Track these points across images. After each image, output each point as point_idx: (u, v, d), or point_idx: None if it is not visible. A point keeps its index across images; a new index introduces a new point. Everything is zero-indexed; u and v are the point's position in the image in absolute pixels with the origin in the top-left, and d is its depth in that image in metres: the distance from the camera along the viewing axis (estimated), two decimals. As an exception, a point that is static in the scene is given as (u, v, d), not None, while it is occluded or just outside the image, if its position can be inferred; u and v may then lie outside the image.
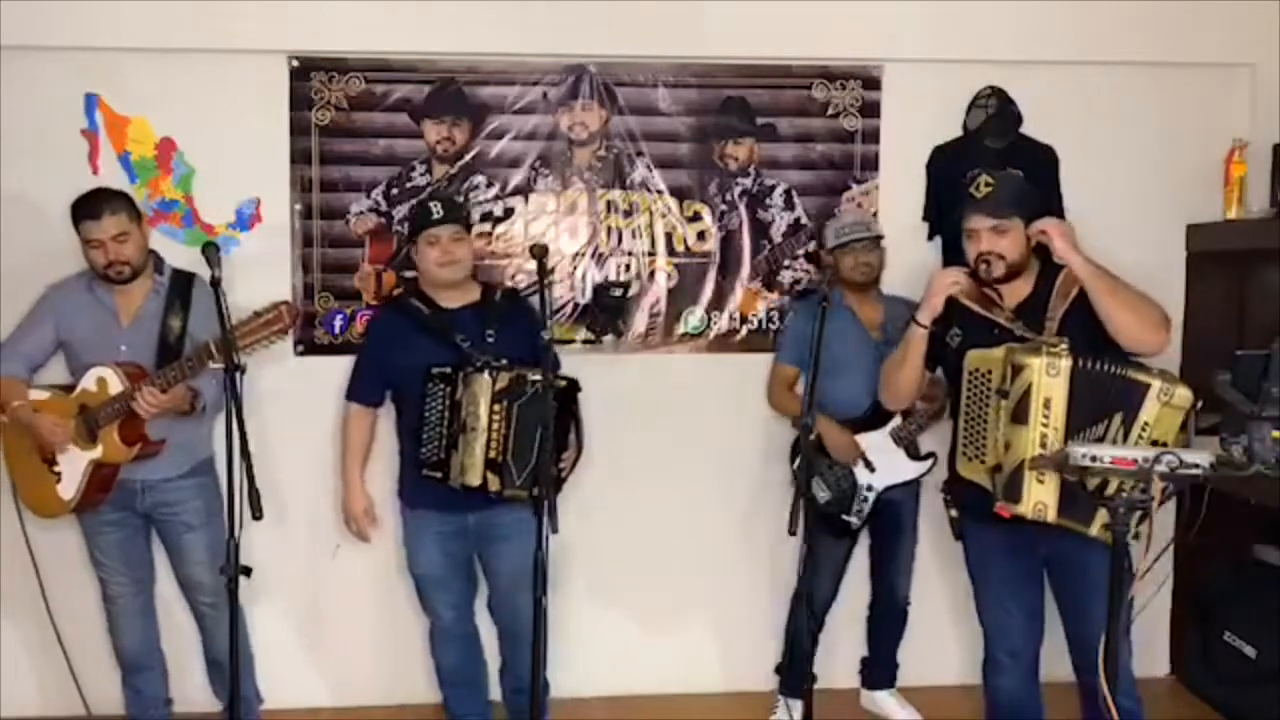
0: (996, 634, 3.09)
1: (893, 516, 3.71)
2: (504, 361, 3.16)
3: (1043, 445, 2.66)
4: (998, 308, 2.95)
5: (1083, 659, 2.97)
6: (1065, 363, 2.67)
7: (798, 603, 3.73)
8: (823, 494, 3.60)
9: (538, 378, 3.07)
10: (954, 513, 3.08)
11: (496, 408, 3.13)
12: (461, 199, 3.77)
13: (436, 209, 3.29)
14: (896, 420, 3.60)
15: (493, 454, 3.14)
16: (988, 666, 3.14)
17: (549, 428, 2.95)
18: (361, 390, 3.44)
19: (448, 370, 3.20)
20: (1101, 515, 2.64)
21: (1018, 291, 2.96)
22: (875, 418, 3.60)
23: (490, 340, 3.24)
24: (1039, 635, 3.07)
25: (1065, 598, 3.01)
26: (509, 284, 3.79)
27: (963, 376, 2.88)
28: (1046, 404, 2.67)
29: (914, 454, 3.65)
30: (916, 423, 3.61)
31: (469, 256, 3.38)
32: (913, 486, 3.71)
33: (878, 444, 3.60)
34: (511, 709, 3.55)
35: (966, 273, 2.98)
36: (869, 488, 3.61)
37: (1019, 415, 2.69)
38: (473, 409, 3.14)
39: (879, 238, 3.65)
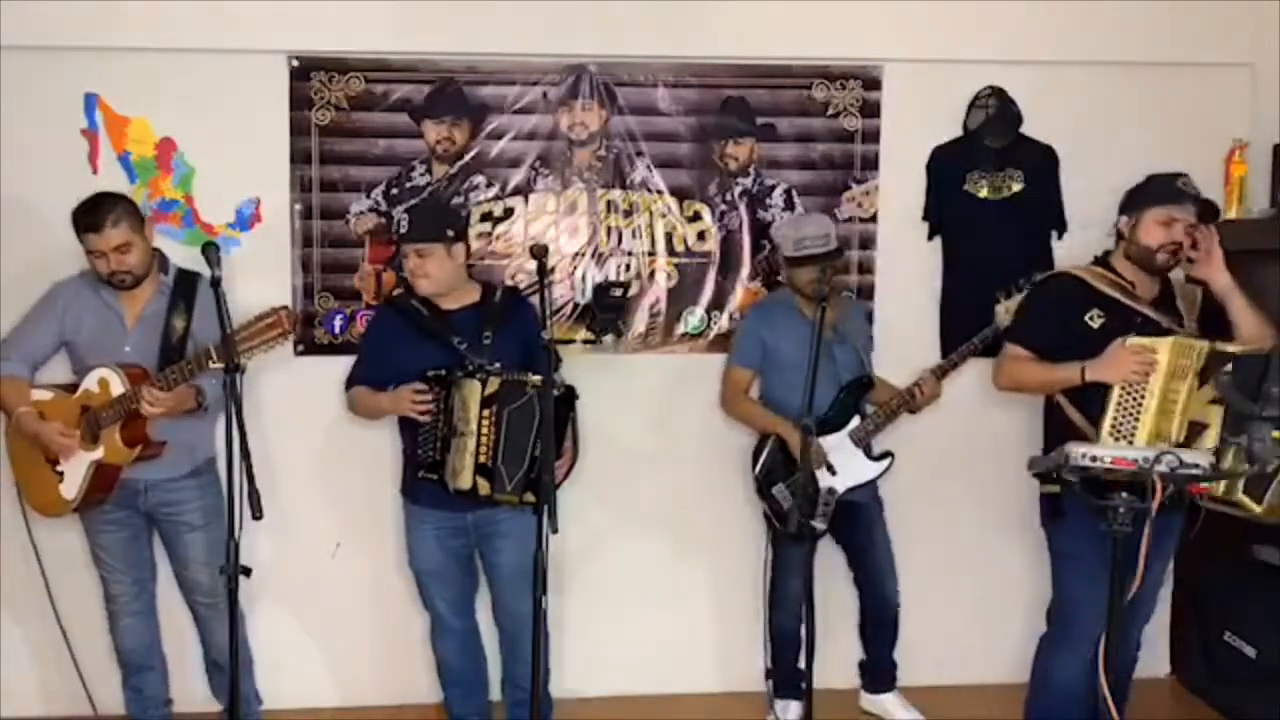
0: (1080, 611, 3.08)
1: (857, 519, 3.69)
2: (497, 365, 3.16)
3: (1222, 443, 2.74)
4: (1138, 299, 3.10)
5: (1125, 617, 2.97)
6: None
7: (772, 606, 3.73)
8: (787, 499, 3.59)
9: (535, 380, 3.07)
10: (1055, 489, 3.07)
11: (485, 412, 3.12)
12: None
13: (403, 224, 3.27)
14: (855, 421, 3.60)
15: (482, 458, 3.13)
16: (1054, 642, 3.16)
17: (547, 430, 2.94)
18: (360, 380, 3.41)
19: (442, 373, 3.20)
20: (1270, 496, 2.73)
21: (1149, 288, 3.14)
22: (835, 418, 3.58)
23: (487, 342, 3.24)
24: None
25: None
26: (510, 283, 3.79)
27: None
28: None
29: (869, 454, 3.64)
30: (874, 423, 3.60)
31: (444, 270, 3.30)
32: (871, 488, 3.69)
33: (837, 446, 3.58)
34: (513, 718, 3.55)
35: (1102, 274, 3.12)
36: (830, 491, 3.56)
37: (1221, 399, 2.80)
38: (463, 413, 3.14)
39: (838, 251, 3.58)
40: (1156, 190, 3.13)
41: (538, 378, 3.05)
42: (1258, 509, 2.78)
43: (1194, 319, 3.10)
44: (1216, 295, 3.11)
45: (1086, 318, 3.08)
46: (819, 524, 3.59)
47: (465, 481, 3.14)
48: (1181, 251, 3.09)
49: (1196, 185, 3.13)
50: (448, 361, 3.21)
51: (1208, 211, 3.13)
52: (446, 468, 3.18)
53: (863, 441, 3.61)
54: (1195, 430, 2.84)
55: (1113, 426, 2.93)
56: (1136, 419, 2.91)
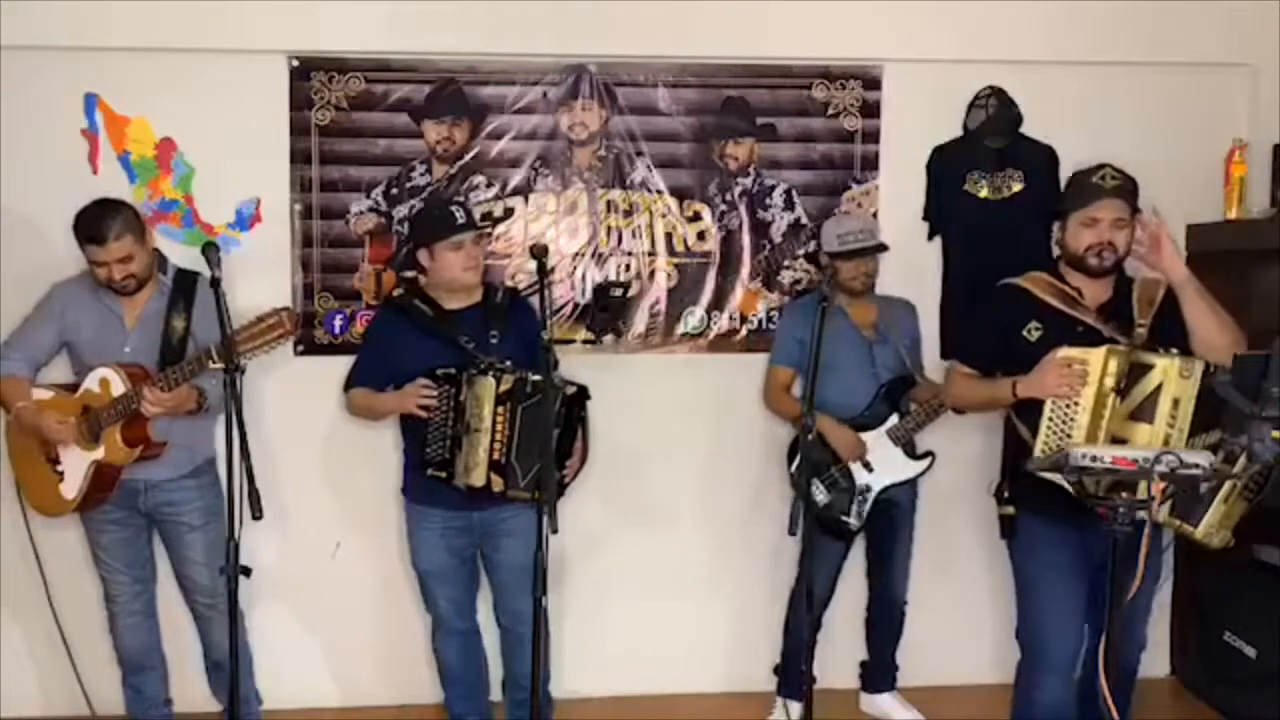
0: (1049, 632, 2.99)
1: (890, 517, 3.71)
2: (508, 363, 3.17)
3: (1166, 443, 2.68)
4: (1081, 306, 2.95)
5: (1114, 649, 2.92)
6: (1199, 366, 2.71)
7: (796, 603, 3.73)
8: (821, 496, 3.59)
9: (537, 380, 3.07)
10: (1010, 510, 3.05)
11: (500, 410, 3.14)
12: (461, 199, 3.78)
13: (460, 215, 3.29)
14: (894, 419, 3.61)
15: (496, 455, 3.14)
16: (1031, 667, 3.05)
17: (547, 428, 2.95)
18: (361, 381, 3.40)
19: (452, 371, 3.20)
20: (1209, 518, 2.67)
21: (1099, 293, 2.98)
22: (872, 417, 3.60)
23: (494, 341, 3.25)
24: (1081, 636, 3.01)
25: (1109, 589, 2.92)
26: (509, 283, 3.78)
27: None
28: (1175, 404, 2.70)
29: (911, 453, 3.65)
30: (914, 421, 3.61)
31: (482, 257, 3.41)
32: (910, 486, 3.71)
33: (875, 443, 3.60)
34: (514, 718, 3.56)
35: (1051, 287, 2.96)
36: (867, 488, 3.61)
37: (1141, 413, 2.72)
38: (476, 411, 3.15)
39: (882, 246, 3.63)
40: (1074, 192, 3.00)
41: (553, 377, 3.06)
42: (1196, 533, 2.72)
43: (1147, 320, 2.91)
44: (1174, 289, 2.92)
45: (1025, 331, 2.96)
46: (853, 521, 3.60)
47: (479, 479, 3.16)
48: (1108, 251, 2.91)
49: (1120, 173, 2.96)
50: (454, 360, 3.22)
51: (1127, 190, 2.95)
52: (456, 465, 3.19)
53: (901, 440, 3.62)
54: (1117, 445, 2.71)
55: (1044, 444, 2.80)
56: (1069, 435, 2.76)
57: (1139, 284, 3.00)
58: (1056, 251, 3.08)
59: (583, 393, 3.23)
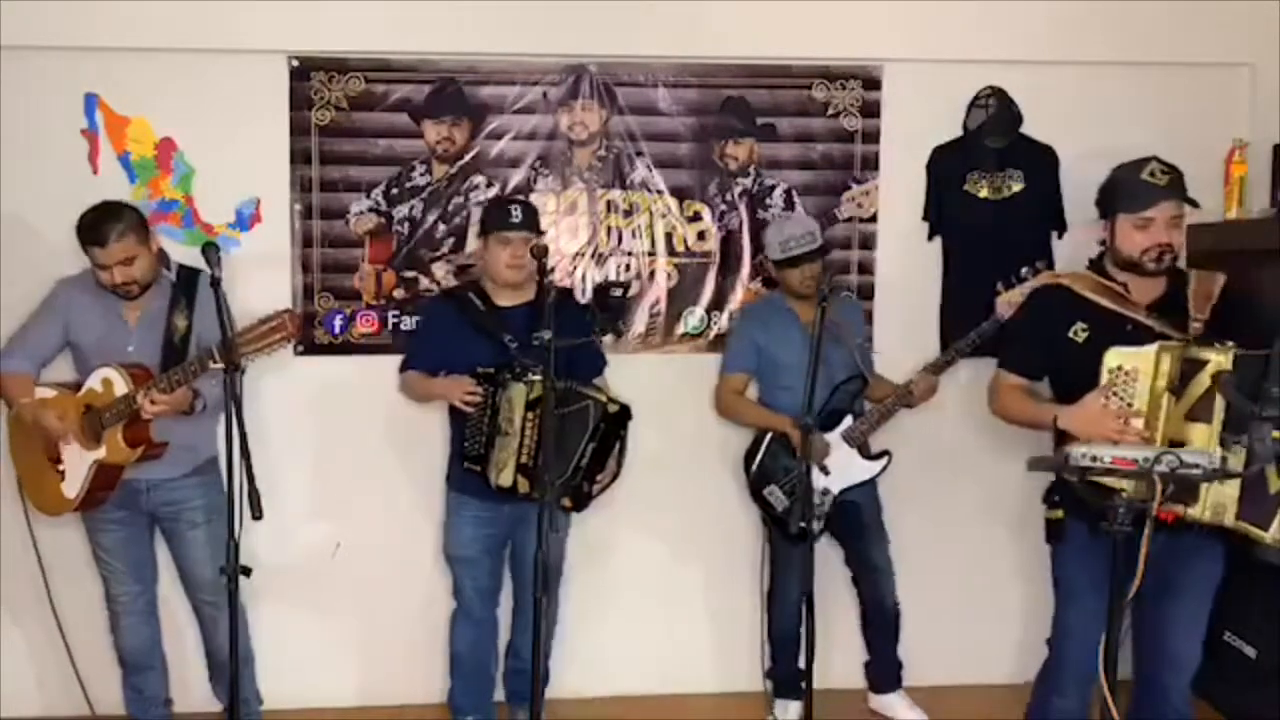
0: (1075, 645, 2.93)
1: (855, 520, 3.69)
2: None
3: (1222, 444, 2.54)
4: (1130, 303, 2.83)
5: (1158, 664, 2.90)
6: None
7: (770, 607, 3.73)
8: (780, 501, 3.59)
9: (582, 391, 3.16)
10: (1059, 514, 2.91)
11: (530, 415, 3.19)
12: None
13: (516, 213, 3.34)
14: (848, 421, 3.60)
15: (524, 459, 3.20)
16: (1055, 673, 3.01)
17: (550, 427, 2.95)
18: (414, 366, 3.49)
19: (491, 371, 3.26)
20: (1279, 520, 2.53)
21: (1149, 290, 2.83)
22: (827, 420, 3.58)
23: (537, 343, 3.26)
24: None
25: (1154, 601, 2.85)
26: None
27: (1100, 375, 2.67)
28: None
29: (866, 454, 3.64)
30: (869, 423, 3.61)
31: (530, 259, 3.38)
32: (870, 487, 3.69)
33: (831, 446, 3.58)
34: (511, 688, 3.67)
35: (1091, 281, 2.85)
36: (824, 491, 3.58)
37: (1198, 413, 2.58)
38: (508, 414, 3.22)
39: (824, 248, 3.60)
40: (1122, 191, 2.85)
41: (594, 391, 3.19)
42: (1266, 537, 2.56)
43: (1204, 316, 2.77)
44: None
45: (1071, 332, 2.84)
46: (813, 526, 3.59)
47: (506, 479, 3.24)
48: (1167, 253, 2.77)
49: (1169, 166, 2.81)
50: (498, 359, 3.27)
51: (1179, 183, 2.77)
52: (490, 462, 3.25)
53: (857, 441, 3.61)
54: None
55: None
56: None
57: (1195, 277, 2.86)
58: (1099, 250, 2.96)
59: (624, 412, 3.28)
